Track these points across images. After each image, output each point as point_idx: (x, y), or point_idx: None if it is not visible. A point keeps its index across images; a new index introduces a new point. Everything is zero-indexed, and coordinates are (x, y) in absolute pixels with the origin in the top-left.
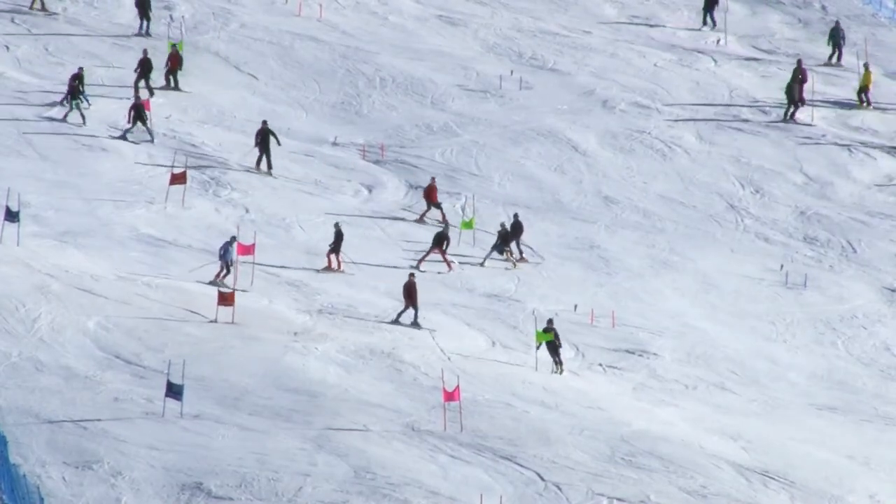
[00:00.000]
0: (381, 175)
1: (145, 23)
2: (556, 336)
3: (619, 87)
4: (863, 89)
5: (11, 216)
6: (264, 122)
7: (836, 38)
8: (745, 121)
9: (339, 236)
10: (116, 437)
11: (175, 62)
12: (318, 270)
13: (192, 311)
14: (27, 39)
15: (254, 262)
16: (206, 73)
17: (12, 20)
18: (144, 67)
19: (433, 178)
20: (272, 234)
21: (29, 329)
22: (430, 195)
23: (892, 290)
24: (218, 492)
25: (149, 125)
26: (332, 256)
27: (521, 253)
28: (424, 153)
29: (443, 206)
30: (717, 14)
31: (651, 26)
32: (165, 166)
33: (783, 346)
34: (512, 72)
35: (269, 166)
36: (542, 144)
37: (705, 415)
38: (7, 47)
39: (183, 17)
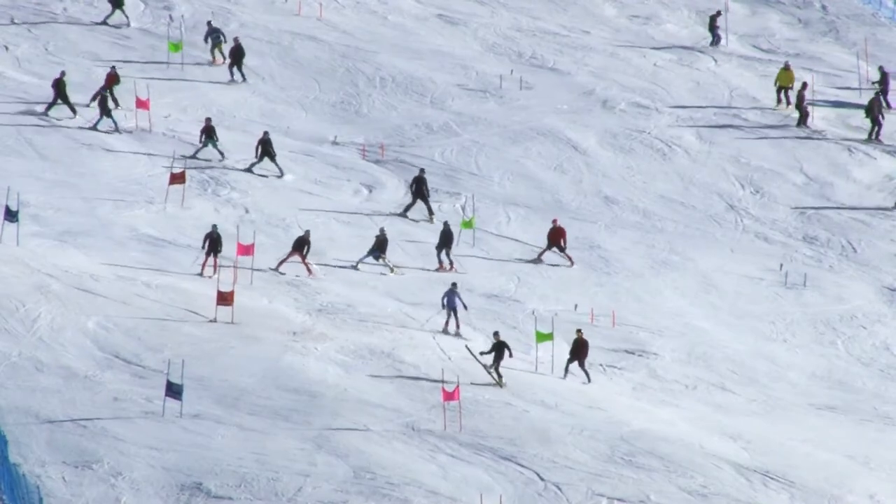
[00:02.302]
0: (381, 175)
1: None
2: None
3: (619, 87)
4: (782, 89)
5: (11, 216)
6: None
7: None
8: (745, 121)
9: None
10: (116, 436)
11: (111, 81)
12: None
13: (191, 311)
14: (27, 39)
15: (253, 263)
16: (206, 73)
17: (12, 20)
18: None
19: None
20: (272, 234)
21: (29, 329)
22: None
23: (892, 290)
24: (218, 492)
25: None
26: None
27: (451, 263)
28: (424, 153)
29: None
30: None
31: (655, 24)
32: (165, 165)
33: (783, 345)
34: (512, 71)
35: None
36: (541, 144)
37: (705, 415)
38: (7, 47)
39: (183, 16)
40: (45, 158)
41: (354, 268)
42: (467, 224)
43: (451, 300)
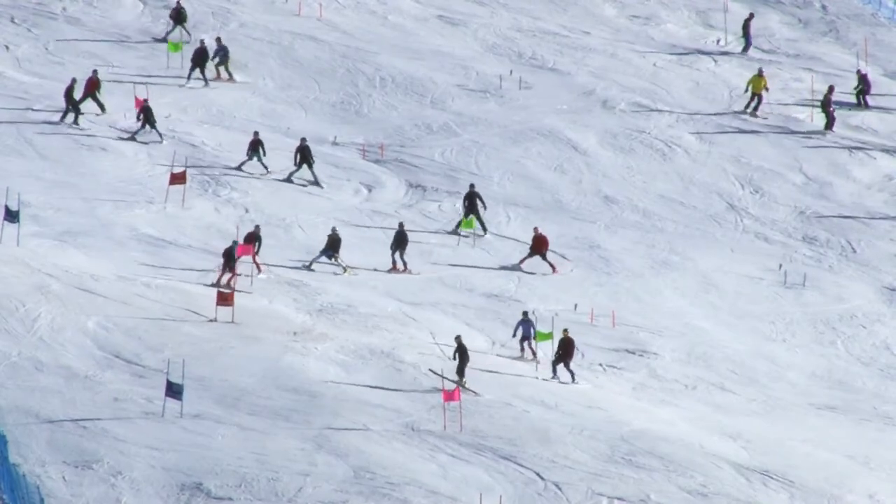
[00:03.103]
0: (381, 175)
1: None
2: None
3: (619, 87)
4: (754, 95)
5: (11, 216)
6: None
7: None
8: (746, 121)
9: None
10: (116, 436)
11: (92, 87)
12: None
13: (191, 311)
14: (27, 39)
15: (252, 263)
16: (205, 73)
17: (12, 20)
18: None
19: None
20: (272, 234)
21: (29, 329)
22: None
23: (892, 290)
24: (218, 492)
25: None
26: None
27: (405, 264)
28: (424, 153)
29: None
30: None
31: (657, 25)
32: (165, 165)
33: (783, 345)
34: (512, 72)
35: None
36: (541, 144)
37: (705, 415)
38: (7, 47)
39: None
40: (45, 158)
41: (308, 269)
42: (467, 224)
43: (525, 329)
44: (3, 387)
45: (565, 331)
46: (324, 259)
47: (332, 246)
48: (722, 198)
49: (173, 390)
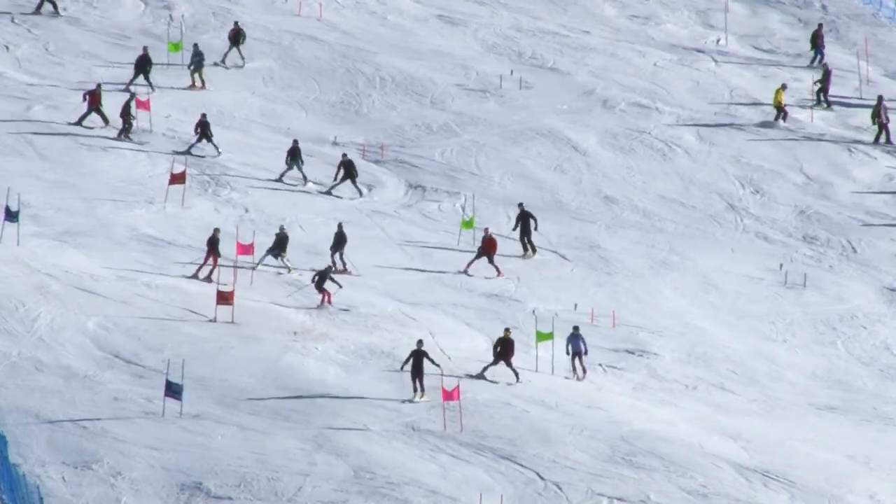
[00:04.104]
0: (381, 175)
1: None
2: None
3: (619, 87)
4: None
5: (11, 216)
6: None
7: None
8: (746, 121)
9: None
10: (116, 437)
11: (94, 101)
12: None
13: (191, 311)
14: (27, 39)
15: (253, 263)
16: (205, 73)
17: (12, 20)
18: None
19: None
20: (272, 234)
21: (29, 329)
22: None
23: (892, 290)
24: (217, 492)
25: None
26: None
27: (344, 265)
28: (424, 153)
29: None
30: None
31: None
32: (165, 164)
33: (783, 345)
34: (512, 71)
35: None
36: (542, 144)
37: (705, 415)
38: (7, 47)
39: (183, 16)
40: (45, 158)
41: (254, 268)
42: (467, 224)
43: (575, 344)
44: (3, 387)
45: (507, 331)
46: (269, 259)
47: (280, 244)
48: (722, 198)
49: (173, 390)
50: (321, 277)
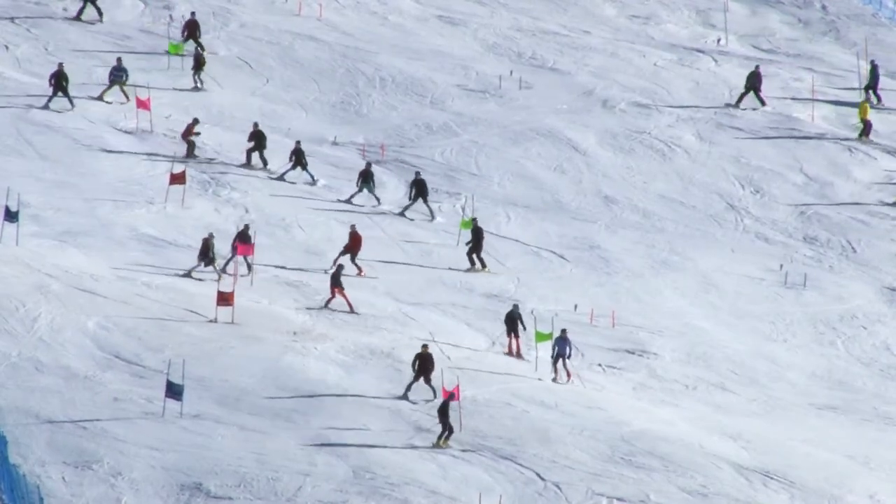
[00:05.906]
0: (381, 175)
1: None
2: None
3: (619, 87)
4: (864, 121)
5: (11, 216)
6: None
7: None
8: (746, 121)
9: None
10: (116, 437)
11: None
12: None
13: (191, 311)
14: (27, 39)
15: (253, 262)
16: (205, 73)
17: (12, 20)
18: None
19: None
20: (272, 234)
21: (29, 329)
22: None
23: (892, 290)
24: (218, 492)
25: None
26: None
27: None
28: (424, 153)
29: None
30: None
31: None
32: (165, 164)
33: (783, 345)
34: (512, 72)
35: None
36: (541, 144)
37: (705, 415)
38: (7, 47)
39: (183, 16)
40: (45, 158)
41: (187, 276)
42: (467, 224)
43: (560, 347)
44: (3, 387)
45: (424, 346)
46: (200, 266)
47: (205, 251)
48: (722, 198)
49: (173, 390)
50: (334, 278)
